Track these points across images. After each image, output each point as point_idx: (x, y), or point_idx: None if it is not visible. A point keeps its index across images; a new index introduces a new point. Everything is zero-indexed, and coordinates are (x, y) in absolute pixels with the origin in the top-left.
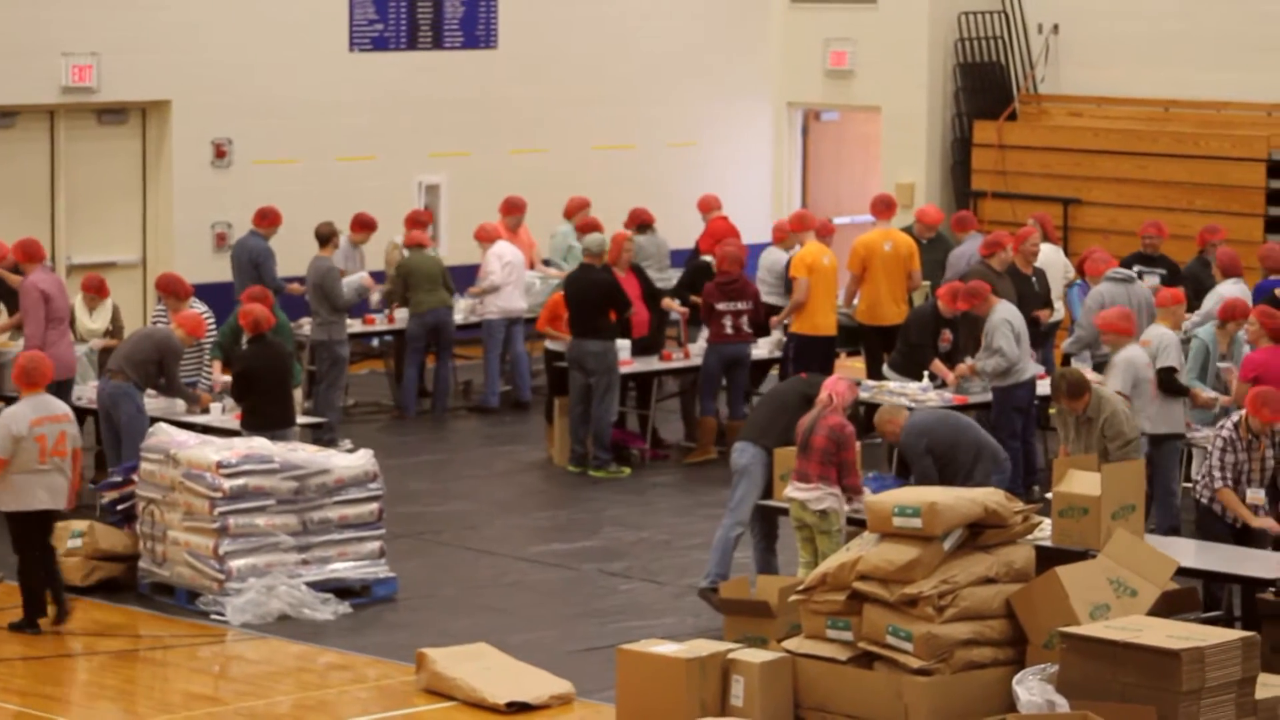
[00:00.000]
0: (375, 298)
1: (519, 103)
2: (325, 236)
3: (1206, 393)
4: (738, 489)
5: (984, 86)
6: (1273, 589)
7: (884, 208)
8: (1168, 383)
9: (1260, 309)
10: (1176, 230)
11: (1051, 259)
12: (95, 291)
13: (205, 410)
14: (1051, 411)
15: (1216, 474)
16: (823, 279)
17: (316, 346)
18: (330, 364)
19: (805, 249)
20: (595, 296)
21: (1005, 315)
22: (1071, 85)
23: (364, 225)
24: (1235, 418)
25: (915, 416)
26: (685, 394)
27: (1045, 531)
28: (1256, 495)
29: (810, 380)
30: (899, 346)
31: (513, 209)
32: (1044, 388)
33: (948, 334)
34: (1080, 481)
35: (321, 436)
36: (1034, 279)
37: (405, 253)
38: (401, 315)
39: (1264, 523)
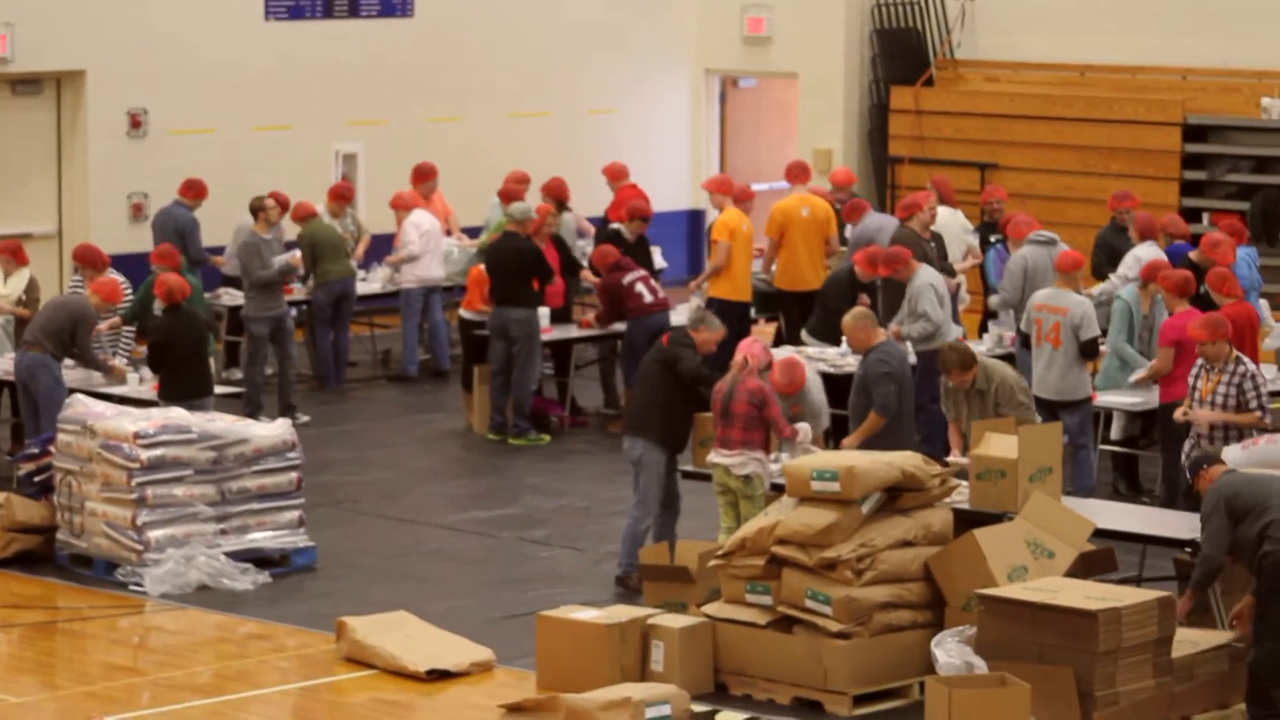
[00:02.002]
0: (300, 272)
1: (436, 71)
2: (254, 210)
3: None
4: (639, 481)
5: (901, 52)
6: (1188, 549)
7: (799, 173)
8: (1090, 351)
9: (1160, 271)
10: (1094, 195)
11: (949, 222)
12: (12, 255)
13: (122, 380)
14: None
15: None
16: (742, 245)
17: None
18: (248, 338)
19: (726, 213)
20: (518, 265)
21: (928, 279)
22: (988, 51)
23: (339, 196)
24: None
25: (884, 345)
26: (604, 361)
27: (963, 494)
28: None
29: (668, 349)
30: (817, 312)
31: (423, 176)
32: None
33: (865, 298)
34: (997, 444)
35: (293, 418)
36: (931, 243)
37: (328, 219)
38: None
39: (1178, 412)
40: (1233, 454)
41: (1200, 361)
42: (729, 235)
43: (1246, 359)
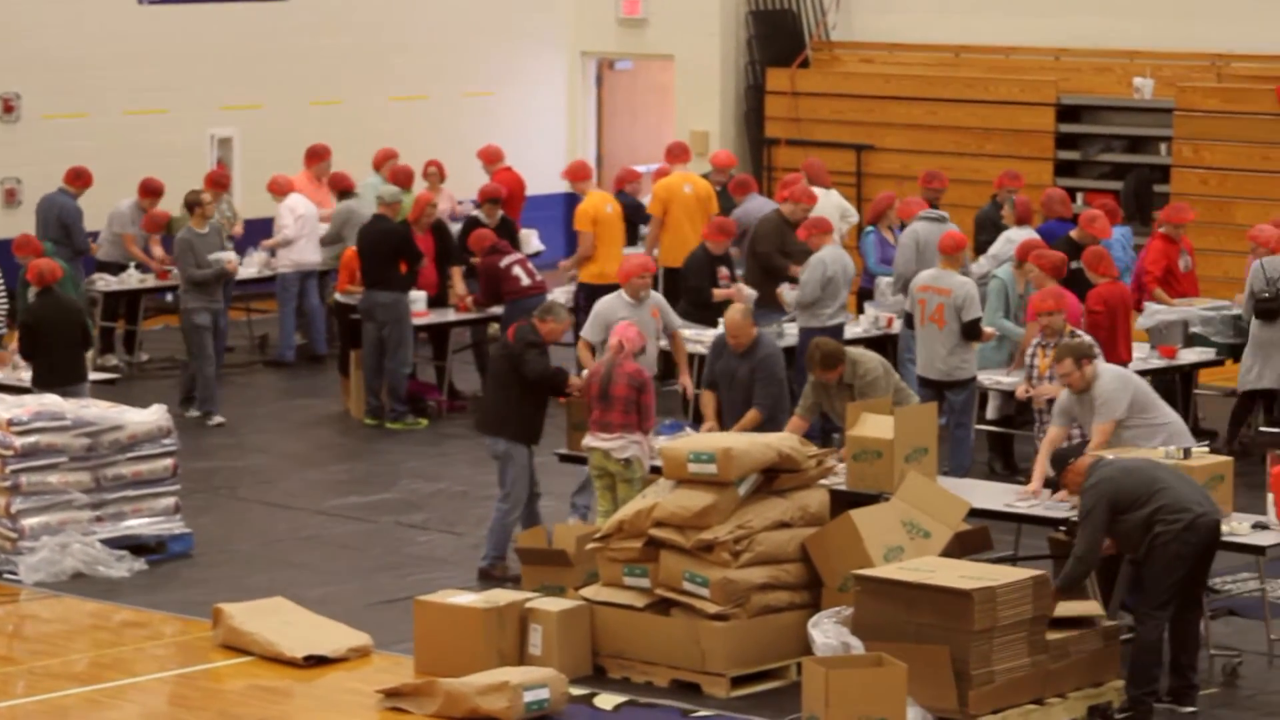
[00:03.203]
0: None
1: (313, 54)
2: (189, 205)
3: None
4: (506, 474)
5: (776, 34)
6: (1062, 528)
7: (680, 153)
8: (972, 332)
9: (1034, 250)
10: (969, 175)
11: (823, 204)
12: None
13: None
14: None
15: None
16: (607, 228)
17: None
18: (191, 332)
19: (587, 200)
20: (386, 248)
21: (823, 255)
22: (863, 32)
23: (215, 183)
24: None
25: (770, 344)
26: (481, 345)
27: (840, 475)
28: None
29: (514, 346)
30: (683, 293)
31: (316, 157)
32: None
33: (724, 271)
34: (874, 425)
35: (205, 414)
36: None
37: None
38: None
39: (1019, 388)
40: None
41: (1036, 340)
42: (590, 224)
43: (1081, 332)
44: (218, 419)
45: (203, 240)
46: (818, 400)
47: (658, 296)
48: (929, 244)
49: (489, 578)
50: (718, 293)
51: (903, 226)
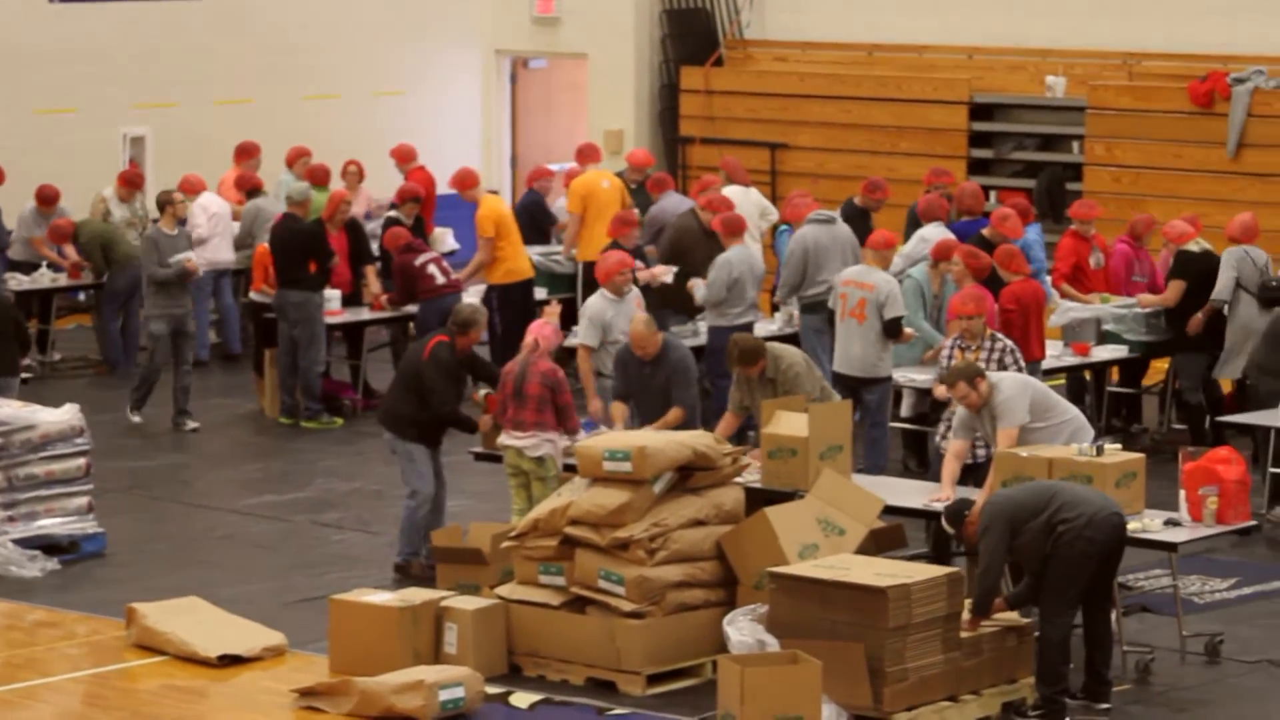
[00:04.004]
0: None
1: (225, 52)
2: (161, 205)
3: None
4: (408, 472)
5: (690, 32)
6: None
7: (591, 153)
8: (893, 330)
9: (965, 249)
10: (884, 173)
11: (740, 202)
12: None
13: None
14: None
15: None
16: (509, 230)
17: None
18: (146, 337)
19: (485, 205)
20: (296, 247)
21: (729, 256)
22: (776, 30)
23: (128, 182)
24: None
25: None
26: (396, 344)
27: (755, 473)
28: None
29: (427, 365)
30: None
31: (246, 154)
32: None
33: (640, 265)
34: (788, 423)
35: (180, 423)
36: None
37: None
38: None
39: (939, 390)
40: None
41: (953, 340)
42: (492, 229)
43: (1000, 335)
44: (136, 419)
45: (169, 241)
46: (744, 396)
47: (636, 291)
48: (819, 247)
49: (405, 573)
50: (640, 274)
51: (790, 229)
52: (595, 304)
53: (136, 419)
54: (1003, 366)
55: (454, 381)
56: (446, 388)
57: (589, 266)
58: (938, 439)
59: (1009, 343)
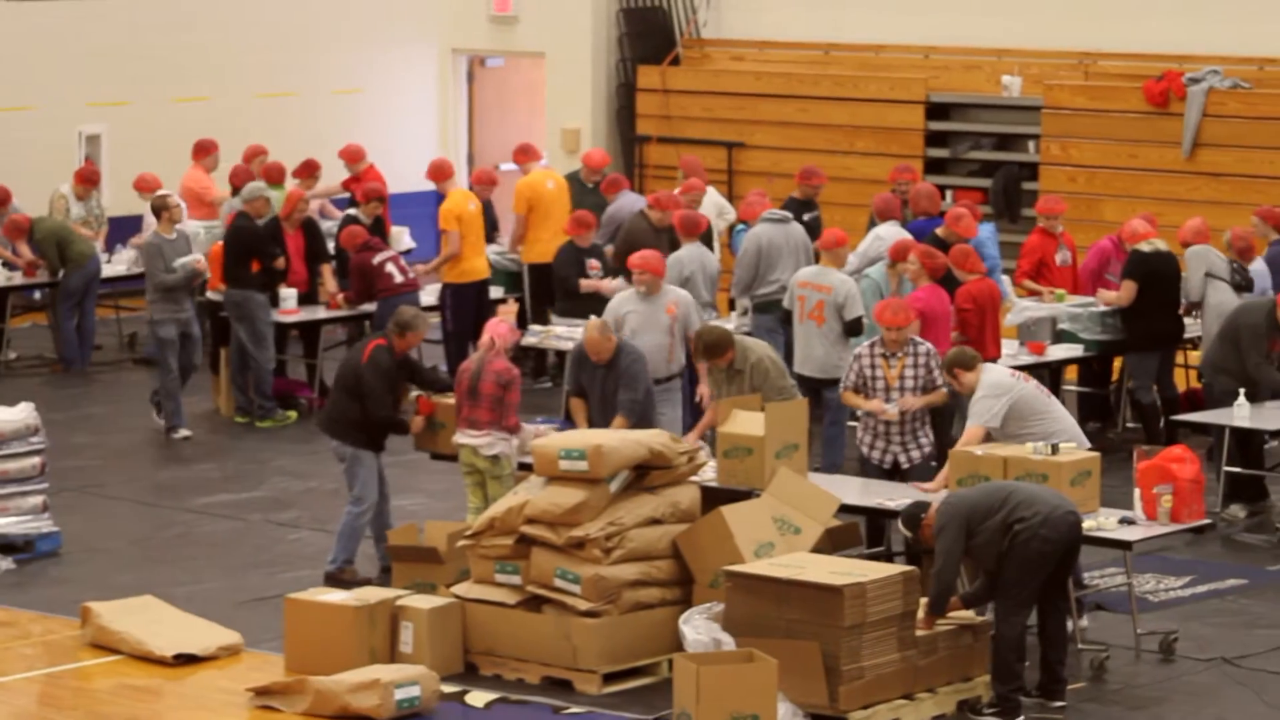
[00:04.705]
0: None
1: (181, 50)
2: (156, 209)
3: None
4: (354, 477)
5: (647, 31)
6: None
7: (529, 152)
8: (854, 329)
9: (921, 249)
10: (840, 173)
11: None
12: None
13: None
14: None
15: (845, 381)
16: (470, 227)
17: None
18: (157, 344)
19: (449, 199)
20: (237, 246)
21: (680, 255)
22: (733, 29)
23: (85, 180)
24: (876, 337)
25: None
26: (353, 342)
27: (711, 471)
28: (887, 409)
29: (365, 368)
30: (556, 290)
31: (204, 151)
32: None
33: (595, 262)
34: (744, 421)
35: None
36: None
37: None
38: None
39: (873, 405)
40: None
41: (870, 350)
42: (456, 222)
43: (921, 339)
44: (184, 432)
45: (170, 245)
46: (716, 389)
47: (681, 293)
48: (772, 246)
49: (337, 582)
50: (584, 284)
51: (747, 227)
52: (619, 301)
53: (186, 432)
54: (930, 371)
55: (391, 385)
56: (384, 392)
57: (534, 268)
58: (861, 435)
59: (929, 346)
